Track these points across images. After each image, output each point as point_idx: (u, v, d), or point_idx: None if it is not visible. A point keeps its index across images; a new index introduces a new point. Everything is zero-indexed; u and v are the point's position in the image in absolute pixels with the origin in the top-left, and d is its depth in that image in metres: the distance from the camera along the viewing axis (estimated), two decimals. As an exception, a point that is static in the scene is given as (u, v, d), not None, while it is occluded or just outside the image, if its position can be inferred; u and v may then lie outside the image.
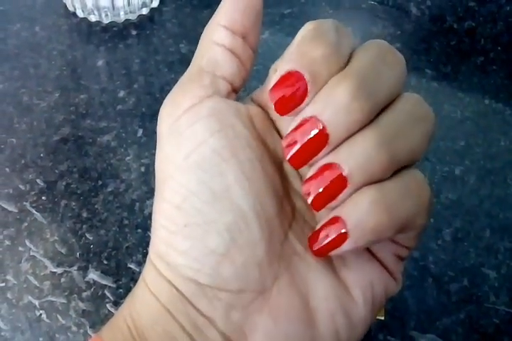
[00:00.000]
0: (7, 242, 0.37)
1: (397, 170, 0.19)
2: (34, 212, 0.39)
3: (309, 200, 0.19)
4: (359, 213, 0.19)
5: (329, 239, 0.19)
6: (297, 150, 0.19)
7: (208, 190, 0.20)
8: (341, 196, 0.19)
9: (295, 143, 0.19)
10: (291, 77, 0.19)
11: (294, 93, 0.19)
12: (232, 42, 0.21)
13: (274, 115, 0.22)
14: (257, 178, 0.20)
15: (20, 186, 0.40)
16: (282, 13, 0.56)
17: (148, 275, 0.21)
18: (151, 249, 0.21)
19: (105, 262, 0.36)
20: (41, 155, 0.42)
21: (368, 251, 0.22)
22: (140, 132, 0.44)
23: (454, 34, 0.55)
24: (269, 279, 0.20)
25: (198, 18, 0.55)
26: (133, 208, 0.39)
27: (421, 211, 0.19)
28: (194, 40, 0.56)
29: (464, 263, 0.38)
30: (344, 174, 0.18)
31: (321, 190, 0.19)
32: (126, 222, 0.39)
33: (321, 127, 0.18)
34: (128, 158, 0.42)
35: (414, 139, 0.19)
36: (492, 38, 0.54)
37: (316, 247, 0.20)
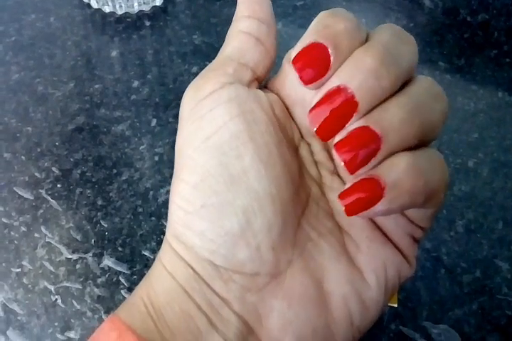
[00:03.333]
0: (23, 229, 0.38)
1: (419, 145, 0.19)
2: (50, 199, 0.39)
3: (343, 163, 0.19)
4: (397, 173, 0.18)
5: (364, 197, 0.19)
6: (325, 121, 0.19)
7: (226, 172, 0.20)
8: (375, 159, 0.18)
9: (322, 113, 0.19)
10: (314, 48, 0.19)
11: (317, 63, 0.19)
12: (258, 29, 0.22)
13: (288, 102, 0.23)
14: (273, 163, 0.20)
15: (36, 174, 0.41)
16: (295, 4, 0.56)
17: (165, 255, 0.21)
18: (168, 230, 0.22)
19: (120, 249, 0.37)
20: (56, 143, 0.43)
21: (382, 233, 0.22)
22: (154, 122, 0.45)
23: (468, 27, 0.55)
24: (283, 263, 0.21)
25: (211, 9, 0.55)
26: (147, 196, 0.40)
27: (443, 186, 0.20)
28: (207, 31, 0.56)
29: (476, 255, 0.38)
30: (379, 135, 0.18)
31: (355, 153, 0.18)
32: (140, 209, 0.39)
33: (350, 95, 0.18)
34: (142, 147, 0.43)
35: (435, 114, 0.19)
36: (506, 30, 0.54)
37: (347, 202, 0.19)
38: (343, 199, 0.19)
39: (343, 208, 0.19)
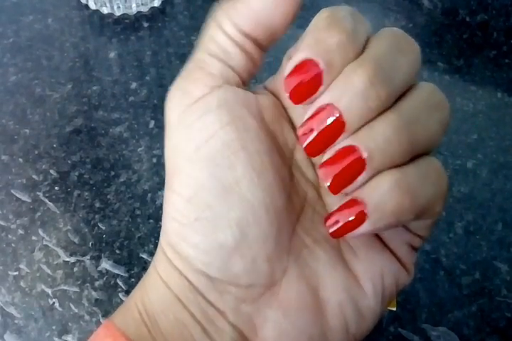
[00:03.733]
0: (20, 231, 0.37)
1: (415, 157, 0.19)
2: (47, 201, 0.39)
3: (327, 184, 0.19)
4: (380, 194, 0.18)
5: (347, 220, 0.19)
6: (313, 139, 0.19)
7: (218, 183, 0.19)
8: (360, 179, 0.18)
9: (311, 131, 0.19)
10: (305, 66, 0.19)
11: (309, 81, 0.19)
12: (242, 42, 0.20)
13: (287, 103, 0.22)
14: (265, 171, 0.20)
15: (34, 176, 0.40)
16: (294, 5, 0.56)
17: (160, 263, 0.21)
18: (163, 238, 0.21)
19: (117, 252, 0.37)
20: (54, 145, 0.42)
21: (380, 240, 0.22)
22: (152, 123, 0.44)
23: (467, 27, 0.55)
24: (278, 273, 0.20)
25: (210, 10, 0.55)
26: (145, 199, 0.39)
27: (439, 198, 0.19)
28: (205, 33, 0.56)
29: (475, 257, 0.38)
30: (363, 156, 0.18)
31: (338, 173, 0.19)
32: (138, 212, 0.39)
33: (338, 115, 0.18)
34: (140, 149, 0.43)
35: (432, 126, 0.19)
36: (505, 31, 0.54)
37: (332, 228, 0.19)
38: (328, 223, 0.19)
39: (328, 232, 0.19)
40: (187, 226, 0.20)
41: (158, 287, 0.21)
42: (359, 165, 0.18)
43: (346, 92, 0.18)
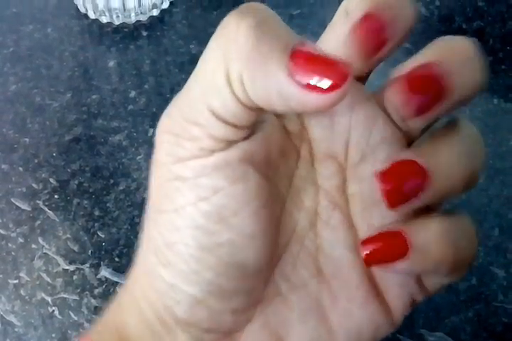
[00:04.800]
0: (20, 240, 0.38)
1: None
2: (47, 210, 0.39)
3: (383, 194, 0.17)
4: (427, 236, 0.17)
5: (386, 250, 0.17)
6: (411, 97, 0.17)
7: (197, 244, 0.18)
8: (419, 197, 0.17)
9: (407, 89, 0.17)
10: (369, 19, 0.17)
11: (374, 35, 0.17)
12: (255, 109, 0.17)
13: (311, 120, 0.20)
14: (255, 234, 0.18)
15: (34, 185, 0.41)
16: (291, 14, 0.56)
17: (135, 284, 0.21)
18: (140, 261, 0.21)
19: (117, 259, 0.37)
20: (54, 154, 0.43)
21: (375, 286, 0.20)
22: (151, 132, 0.45)
23: (463, 34, 0.54)
24: (241, 323, 0.20)
25: (208, 19, 0.55)
26: (144, 206, 0.39)
27: (470, 259, 0.18)
28: (204, 41, 0.56)
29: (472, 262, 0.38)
30: (427, 172, 0.17)
31: (398, 185, 0.17)
32: (137, 220, 0.39)
33: (442, 77, 0.16)
34: (139, 157, 0.43)
35: (476, 164, 0.18)
36: (501, 37, 0.54)
37: (368, 251, 0.18)
38: (365, 248, 0.18)
39: (363, 256, 0.18)
40: (163, 265, 0.19)
41: (133, 312, 0.20)
42: (421, 181, 0.17)
43: (452, 53, 0.16)
